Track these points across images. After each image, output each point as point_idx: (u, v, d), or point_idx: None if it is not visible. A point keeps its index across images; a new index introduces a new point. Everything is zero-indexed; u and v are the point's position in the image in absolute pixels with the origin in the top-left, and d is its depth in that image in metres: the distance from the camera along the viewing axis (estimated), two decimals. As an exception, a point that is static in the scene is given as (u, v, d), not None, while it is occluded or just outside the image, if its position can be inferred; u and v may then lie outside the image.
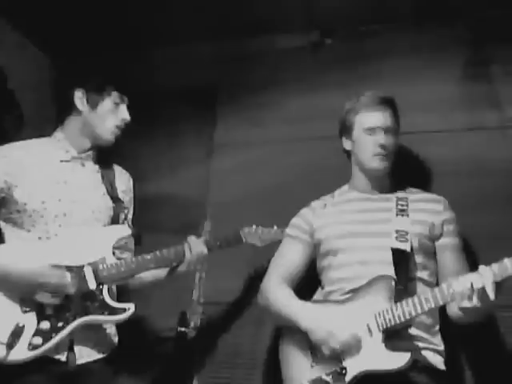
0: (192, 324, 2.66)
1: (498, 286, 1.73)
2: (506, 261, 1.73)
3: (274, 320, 2.24)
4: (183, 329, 2.62)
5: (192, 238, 2.17)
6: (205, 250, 2.17)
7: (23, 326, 1.85)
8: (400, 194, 2.19)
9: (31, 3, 2.82)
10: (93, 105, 2.14)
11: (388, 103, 2.20)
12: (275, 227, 2.40)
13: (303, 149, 2.79)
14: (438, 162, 2.53)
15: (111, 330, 2.14)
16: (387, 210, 2.15)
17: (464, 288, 1.75)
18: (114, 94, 2.16)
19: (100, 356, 2.05)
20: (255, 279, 2.63)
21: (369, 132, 2.17)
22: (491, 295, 1.70)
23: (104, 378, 2.06)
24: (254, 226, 2.38)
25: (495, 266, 1.74)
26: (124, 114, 2.18)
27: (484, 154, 2.51)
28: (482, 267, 1.75)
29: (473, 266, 1.93)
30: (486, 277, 1.72)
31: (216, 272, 2.72)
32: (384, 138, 2.15)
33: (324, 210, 2.25)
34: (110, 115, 2.16)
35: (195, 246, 2.15)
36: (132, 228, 2.18)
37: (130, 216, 2.29)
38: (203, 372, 2.59)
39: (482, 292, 1.71)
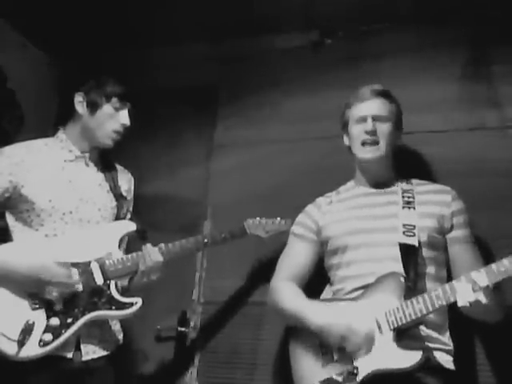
0: (192, 324, 2.66)
1: (495, 287, 1.74)
2: (494, 265, 1.75)
3: (284, 320, 2.22)
4: (183, 329, 2.62)
5: (148, 246, 2.10)
6: (160, 259, 2.08)
7: (33, 322, 1.87)
8: (405, 186, 2.18)
9: (31, 3, 2.82)
10: (92, 109, 2.15)
11: (381, 94, 2.19)
12: (279, 218, 2.41)
13: (303, 149, 2.79)
14: (438, 162, 2.52)
15: (116, 326, 2.16)
16: (393, 203, 2.13)
17: (466, 288, 1.75)
18: (114, 99, 2.16)
19: (105, 353, 2.06)
20: (255, 279, 2.64)
21: (359, 121, 2.17)
22: (483, 300, 1.71)
23: (108, 376, 2.07)
24: (258, 218, 2.40)
25: (483, 271, 1.75)
26: (124, 119, 2.18)
27: (484, 154, 2.51)
28: (473, 273, 1.76)
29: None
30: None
31: (216, 272, 2.72)
32: (372, 124, 2.13)
33: (330, 206, 2.24)
34: (108, 120, 2.16)
35: (151, 255, 2.07)
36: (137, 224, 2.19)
37: (128, 216, 2.30)
38: (203, 372, 2.59)
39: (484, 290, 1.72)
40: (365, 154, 2.16)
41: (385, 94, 2.21)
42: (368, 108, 2.17)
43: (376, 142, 2.14)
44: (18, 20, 2.99)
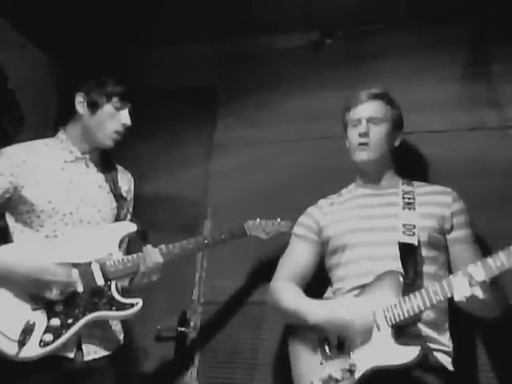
0: (192, 324, 2.66)
1: (493, 281, 1.74)
2: (490, 260, 1.74)
3: (284, 318, 2.23)
4: (183, 329, 2.62)
5: (148, 247, 2.10)
6: (160, 260, 2.08)
7: (34, 323, 1.87)
8: (406, 188, 2.19)
9: (31, 3, 2.82)
10: (93, 109, 2.14)
11: (377, 96, 2.21)
12: (279, 219, 2.41)
13: (303, 149, 2.79)
14: (438, 162, 2.52)
15: (117, 327, 2.16)
16: (394, 204, 2.14)
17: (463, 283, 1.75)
18: (115, 99, 2.15)
19: (106, 353, 2.06)
20: (255, 279, 2.64)
21: (354, 124, 2.20)
22: (480, 294, 1.72)
23: (109, 376, 2.08)
24: (258, 219, 2.40)
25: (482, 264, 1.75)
26: (125, 119, 2.17)
27: (484, 154, 2.51)
28: (470, 266, 1.76)
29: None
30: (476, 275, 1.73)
31: (216, 272, 2.72)
32: (365, 126, 2.15)
33: (331, 207, 2.25)
34: (109, 120, 2.15)
35: (152, 256, 2.07)
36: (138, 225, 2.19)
37: (128, 217, 2.30)
38: (203, 372, 2.59)
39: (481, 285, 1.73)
40: (356, 156, 2.20)
41: (381, 96, 2.22)
42: (363, 111, 2.19)
43: (366, 144, 2.16)
44: (17, 20, 2.98)
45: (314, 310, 1.99)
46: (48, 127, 2.32)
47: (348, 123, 2.25)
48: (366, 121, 2.17)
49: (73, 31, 3.03)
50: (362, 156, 2.17)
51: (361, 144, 2.16)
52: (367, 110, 2.18)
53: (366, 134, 2.15)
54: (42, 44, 3.18)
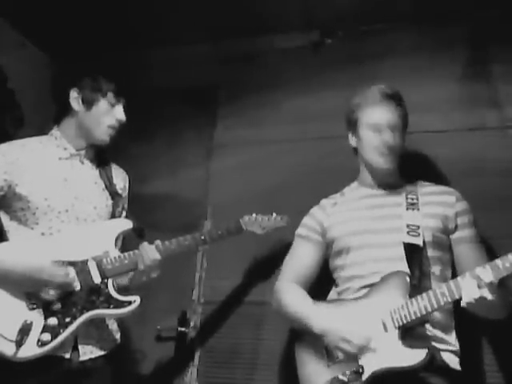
0: (192, 324, 2.66)
1: (500, 283, 1.73)
2: (498, 261, 1.73)
3: (289, 322, 2.22)
4: (183, 329, 2.62)
5: (145, 245, 2.09)
6: (157, 256, 2.07)
7: (31, 322, 1.85)
8: (409, 188, 2.17)
9: (31, 3, 2.82)
10: (88, 105, 2.14)
11: (394, 98, 2.16)
12: (274, 214, 2.42)
13: (303, 149, 2.79)
14: (437, 162, 2.52)
15: (113, 326, 2.15)
16: (397, 204, 2.12)
17: (470, 284, 1.74)
18: (110, 94, 2.15)
19: (103, 353, 2.06)
20: (255, 279, 2.64)
21: (374, 129, 2.14)
22: (489, 296, 1.70)
23: (105, 376, 2.07)
24: (254, 214, 2.39)
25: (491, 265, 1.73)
26: (119, 114, 2.17)
27: (484, 154, 2.51)
28: (478, 269, 1.75)
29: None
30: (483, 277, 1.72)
31: (216, 272, 2.72)
32: (391, 136, 2.11)
33: (334, 208, 2.23)
34: (104, 116, 2.14)
35: (149, 253, 2.06)
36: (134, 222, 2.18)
37: (124, 214, 2.29)
38: (203, 372, 2.59)
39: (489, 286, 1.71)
40: (382, 164, 2.14)
41: (394, 97, 2.17)
42: (385, 116, 2.13)
43: (393, 154, 2.13)
44: (17, 20, 2.99)
45: (317, 318, 1.99)
46: (48, 127, 2.31)
47: (359, 122, 2.18)
48: (391, 130, 2.12)
49: (73, 31, 3.03)
50: (386, 165, 2.14)
51: (386, 154, 2.12)
52: (389, 115, 2.13)
53: (394, 146, 2.11)
54: (41, 44, 3.19)
